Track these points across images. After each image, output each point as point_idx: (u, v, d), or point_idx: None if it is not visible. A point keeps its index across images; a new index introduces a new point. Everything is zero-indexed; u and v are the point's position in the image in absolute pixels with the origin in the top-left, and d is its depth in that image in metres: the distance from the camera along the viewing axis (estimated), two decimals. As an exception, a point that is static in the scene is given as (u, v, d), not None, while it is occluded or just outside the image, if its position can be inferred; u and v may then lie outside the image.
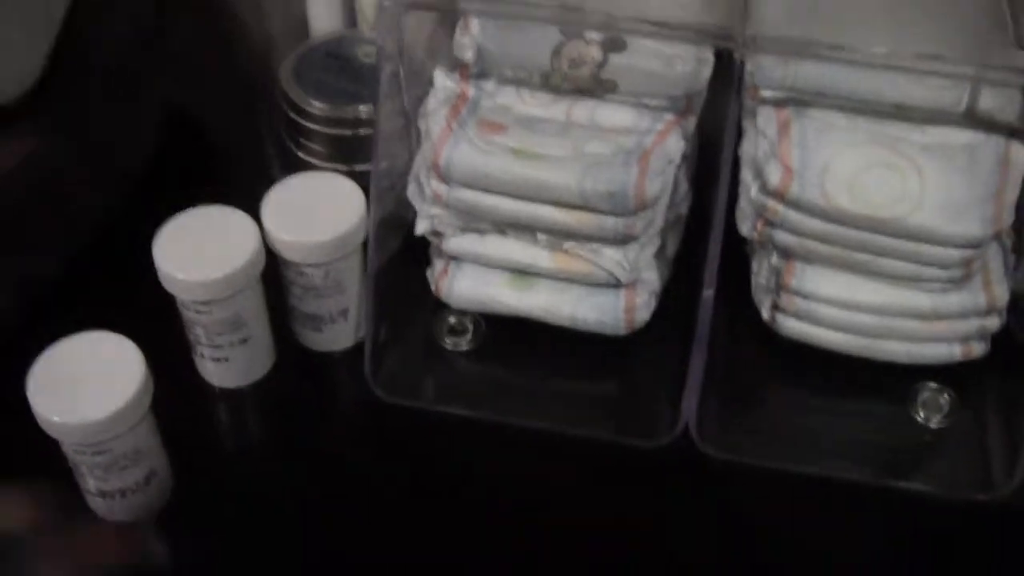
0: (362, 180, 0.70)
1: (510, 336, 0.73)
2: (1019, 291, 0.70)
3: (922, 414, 0.71)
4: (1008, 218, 0.66)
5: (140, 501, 0.64)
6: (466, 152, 0.68)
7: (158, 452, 0.64)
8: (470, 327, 0.74)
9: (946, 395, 0.72)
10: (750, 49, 0.65)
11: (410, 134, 0.73)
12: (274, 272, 0.70)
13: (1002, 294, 0.69)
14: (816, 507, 0.67)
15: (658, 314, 0.73)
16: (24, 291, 0.74)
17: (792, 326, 0.71)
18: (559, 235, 0.69)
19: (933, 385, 0.72)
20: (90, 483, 0.63)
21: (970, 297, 0.69)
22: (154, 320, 0.66)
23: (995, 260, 0.70)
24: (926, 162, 0.66)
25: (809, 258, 0.69)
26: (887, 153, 0.67)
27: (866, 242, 0.67)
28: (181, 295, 0.66)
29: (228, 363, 0.70)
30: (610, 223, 0.68)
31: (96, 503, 0.64)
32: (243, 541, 0.66)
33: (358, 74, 0.81)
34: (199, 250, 0.65)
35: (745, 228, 0.71)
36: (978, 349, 0.71)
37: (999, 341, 0.71)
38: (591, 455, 0.69)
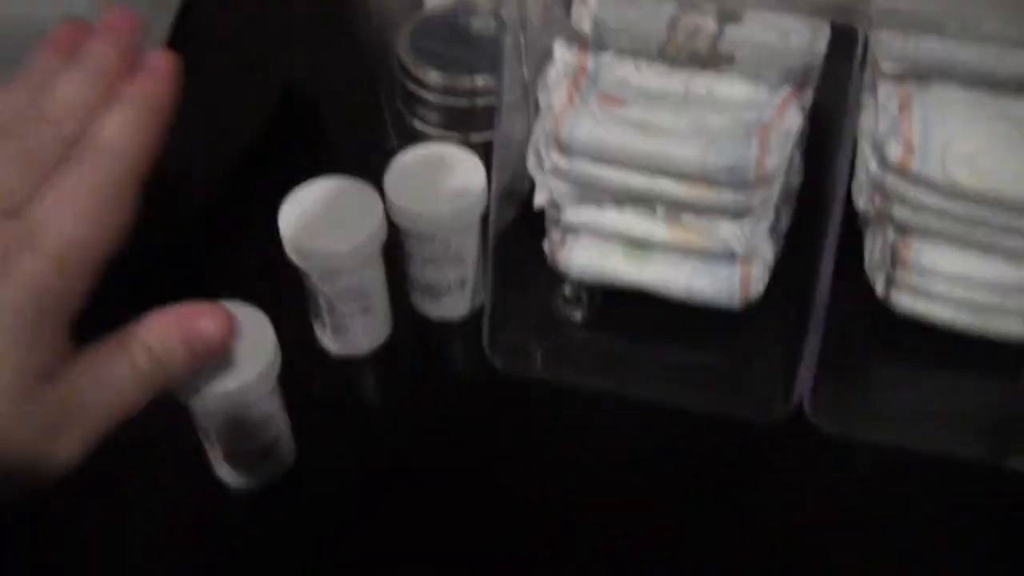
0: (478, 150, 0.71)
1: (625, 307, 0.74)
2: None
3: (1037, 391, 0.71)
4: None
5: (265, 466, 0.66)
6: (588, 125, 0.68)
7: (283, 419, 0.66)
8: (585, 297, 0.75)
9: (1062, 372, 0.72)
10: (876, 25, 0.65)
11: (528, 105, 0.73)
12: (393, 241, 0.71)
13: None
14: (929, 484, 0.67)
15: (770, 288, 0.73)
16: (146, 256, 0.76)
17: (907, 302, 0.71)
18: (677, 208, 0.70)
19: (1049, 362, 0.72)
20: (218, 449, 0.64)
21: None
22: (273, 288, 0.67)
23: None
24: (1051, 138, 0.66)
25: (927, 234, 0.69)
26: (1010, 130, 0.67)
27: (986, 219, 0.66)
28: (307, 266, 0.67)
29: (348, 332, 0.71)
30: (729, 197, 0.68)
31: (222, 470, 0.66)
32: (361, 505, 0.68)
33: (473, 44, 0.81)
34: (324, 221, 0.67)
35: (862, 202, 0.71)
36: (1101, 332, 0.71)
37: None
38: (704, 427, 0.69)
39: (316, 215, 0.67)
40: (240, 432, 0.63)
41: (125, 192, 0.50)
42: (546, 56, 0.74)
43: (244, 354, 0.60)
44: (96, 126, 0.51)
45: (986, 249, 0.68)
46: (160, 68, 0.53)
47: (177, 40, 0.75)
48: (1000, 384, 0.72)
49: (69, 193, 0.48)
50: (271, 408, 0.64)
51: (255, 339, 0.61)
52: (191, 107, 0.74)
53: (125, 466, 0.64)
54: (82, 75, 0.52)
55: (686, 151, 0.67)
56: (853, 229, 0.74)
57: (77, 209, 0.48)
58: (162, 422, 0.59)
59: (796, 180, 0.75)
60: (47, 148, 0.49)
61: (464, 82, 0.79)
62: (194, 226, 0.79)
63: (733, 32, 0.74)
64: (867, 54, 0.67)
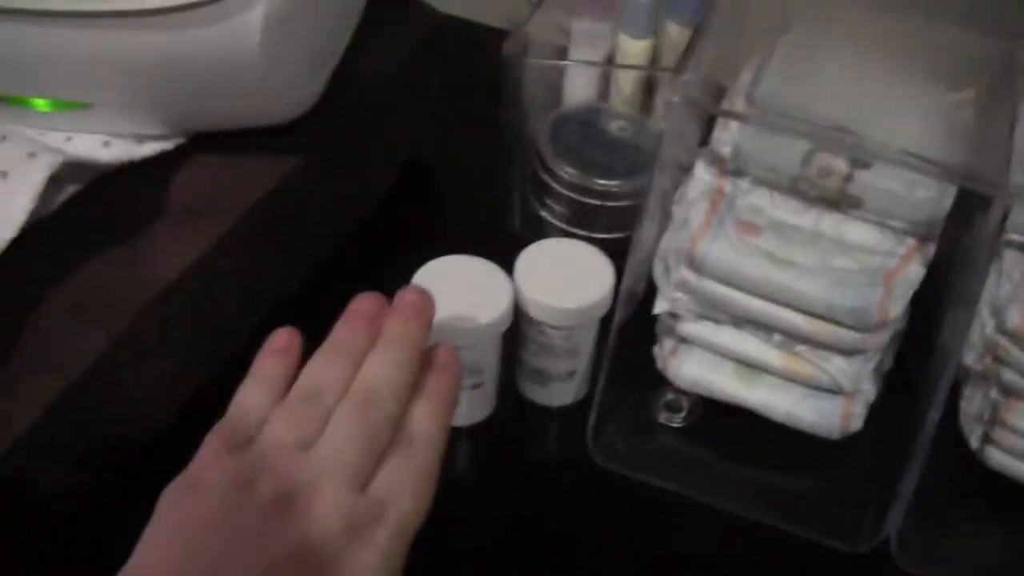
0: (601, 248, 0.74)
1: (723, 420, 0.77)
2: None
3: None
4: None
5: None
6: (723, 249, 0.71)
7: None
8: (686, 405, 0.78)
9: None
10: (1015, 200, 0.68)
11: (659, 215, 0.76)
12: (513, 324, 0.74)
13: None
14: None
15: (867, 424, 0.75)
16: (269, 297, 0.79)
17: (1002, 460, 0.73)
18: (794, 338, 0.73)
19: None
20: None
21: None
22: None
23: None
24: None
25: (1030, 398, 0.72)
26: None
27: (1092, 394, 0.69)
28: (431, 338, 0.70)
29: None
30: (847, 336, 0.71)
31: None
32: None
33: (608, 146, 0.84)
34: (452, 296, 0.68)
35: (970, 359, 0.73)
36: None
37: None
38: (788, 549, 0.72)
39: (447, 289, 0.69)
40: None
41: (436, 474, 0.56)
42: (680, 170, 0.77)
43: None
44: (415, 415, 0.57)
45: (1087, 420, 0.71)
46: (452, 364, 0.60)
47: (328, 90, 0.79)
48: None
49: (403, 474, 0.54)
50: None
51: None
52: (334, 160, 0.78)
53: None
54: (396, 356, 0.57)
55: (814, 288, 0.70)
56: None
57: (411, 489, 0.54)
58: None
59: (902, 325, 0.78)
60: (382, 429, 0.55)
61: (597, 183, 0.82)
62: (315, 272, 0.81)
63: (862, 176, 0.77)
64: (1001, 224, 0.70)
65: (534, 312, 0.72)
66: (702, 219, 0.73)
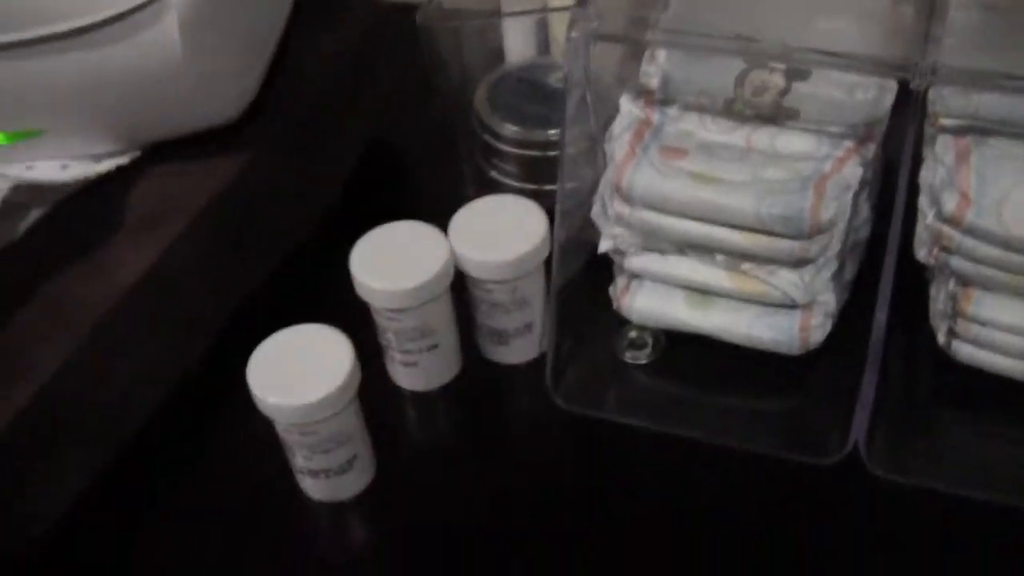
0: (550, 200, 0.74)
1: (687, 351, 0.76)
2: None
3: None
4: None
5: (343, 482, 0.70)
6: (648, 175, 0.71)
7: (361, 438, 0.70)
8: (649, 341, 0.77)
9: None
10: (930, 81, 0.66)
11: (596, 157, 0.76)
12: (463, 289, 0.74)
13: None
14: (984, 533, 0.68)
15: (835, 335, 0.74)
16: (237, 291, 0.80)
17: (967, 352, 0.72)
18: (736, 256, 0.72)
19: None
20: (299, 462, 0.69)
21: None
22: (348, 326, 0.71)
23: None
24: (1106, 190, 0.67)
25: (986, 285, 0.70)
26: (1067, 182, 0.67)
27: (1045, 270, 0.67)
28: (374, 303, 0.71)
29: (416, 368, 0.75)
30: (785, 246, 0.70)
31: (304, 481, 0.71)
32: (429, 530, 0.71)
33: (549, 98, 0.85)
34: (393, 261, 0.71)
35: (922, 254, 0.72)
36: None
37: None
38: (761, 470, 0.71)
39: (385, 255, 0.71)
40: (316, 447, 0.67)
41: None
42: (616, 109, 0.77)
43: (324, 370, 0.65)
44: None
45: (1046, 300, 0.69)
46: None
47: (269, 87, 0.80)
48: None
49: None
50: (348, 426, 0.68)
51: (335, 357, 0.66)
52: (286, 153, 0.80)
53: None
54: None
55: (741, 201, 0.69)
56: (922, 280, 0.75)
57: None
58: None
59: (865, 231, 0.76)
60: None
61: (538, 135, 0.82)
62: (284, 261, 0.83)
63: (800, 88, 0.76)
64: (925, 109, 0.69)
65: (473, 270, 0.73)
66: (626, 150, 0.72)
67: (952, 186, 0.68)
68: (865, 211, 0.76)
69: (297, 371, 0.66)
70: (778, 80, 0.76)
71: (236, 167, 0.78)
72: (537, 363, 0.77)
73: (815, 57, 0.70)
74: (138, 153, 0.79)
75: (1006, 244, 0.67)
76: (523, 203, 0.74)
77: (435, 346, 0.74)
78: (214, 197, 0.77)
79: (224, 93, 0.78)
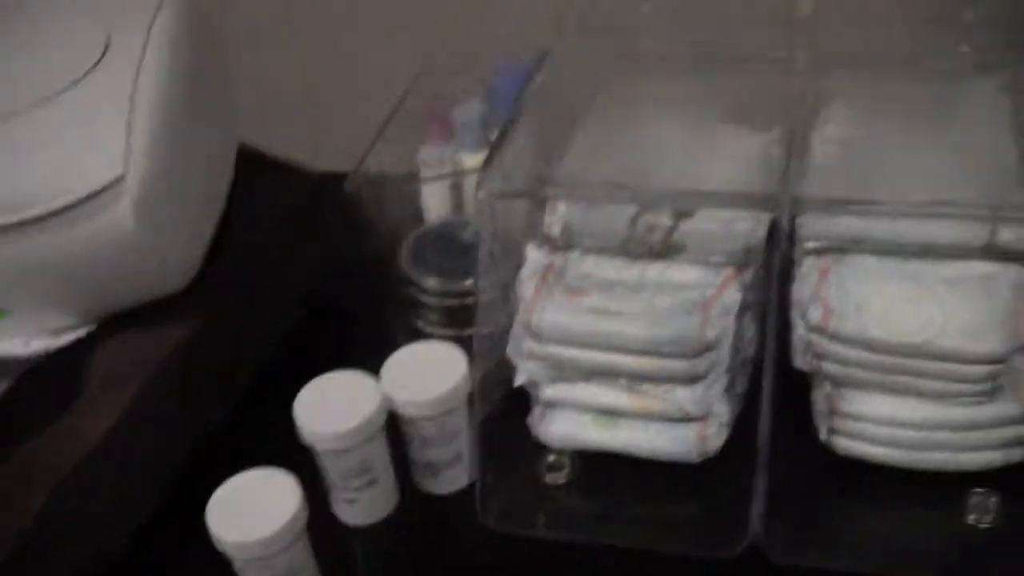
0: (470, 343, 0.83)
1: (601, 468, 0.84)
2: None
3: (972, 517, 0.79)
4: (1025, 336, 0.75)
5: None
6: (554, 313, 0.80)
7: (311, 573, 0.77)
8: (567, 463, 0.85)
9: (994, 498, 0.79)
10: (791, 210, 0.76)
11: (509, 301, 0.85)
12: (397, 428, 0.82)
13: (1034, 404, 0.77)
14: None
15: (732, 442, 0.82)
16: (195, 437, 0.88)
17: (847, 445, 0.80)
18: (636, 379, 0.81)
19: (981, 489, 0.79)
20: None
21: (1003, 407, 0.77)
22: (296, 468, 0.78)
23: (1028, 373, 0.78)
24: (947, 293, 0.76)
25: (855, 384, 0.79)
26: (912, 288, 0.77)
27: (901, 366, 0.76)
28: (317, 446, 0.79)
29: (358, 503, 0.82)
30: (678, 365, 0.79)
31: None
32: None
33: (465, 252, 0.94)
34: (331, 407, 0.79)
35: (799, 361, 0.81)
36: (1017, 454, 0.78)
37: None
38: (675, 567, 0.78)
39: (324, 403, 0.79)
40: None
41: None
42: (524, 258, 0.86)
43: (275, 509, 0.73)
44: None
45: (906, 392, 0.78)
46: None
47: (213, 253, 0.89)
48: (940, 512, 0.79)
49: None
50: (300, 561, 0.75)
51: (284, 497, 0.74)
52: (231, 314, 0.88)
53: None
54: None
55: (636, 329, 0.78)
56: (806, 385, 0.84)
57: None
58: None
59: (751, 349, 0.85)
60: None
61: (457, 286, 0.91)
62: (235, 408, 0.91)
63: (686, 225, 0.86)
64: (793, 235, 0.79)
65: (404, 410, 0.81)
66: (533, 292, 0.82)
67: (817, 299, 0.78)
68: (751, 332, 0.85)
69: (251, 511, 0.74)
70: (666, 220, 0.86)
71: (185, 330, 0.86)
72: (468, 491, 0.85)
73: (694, 198, 0.81)
74: (94, 326, 0.87)
75: (865, 346, 0.76)
76: (445, 347, 0.83)
77: (373, 482, 0.81)
78: (166, 359, 0.85)
79: (173, 265, 0.87)
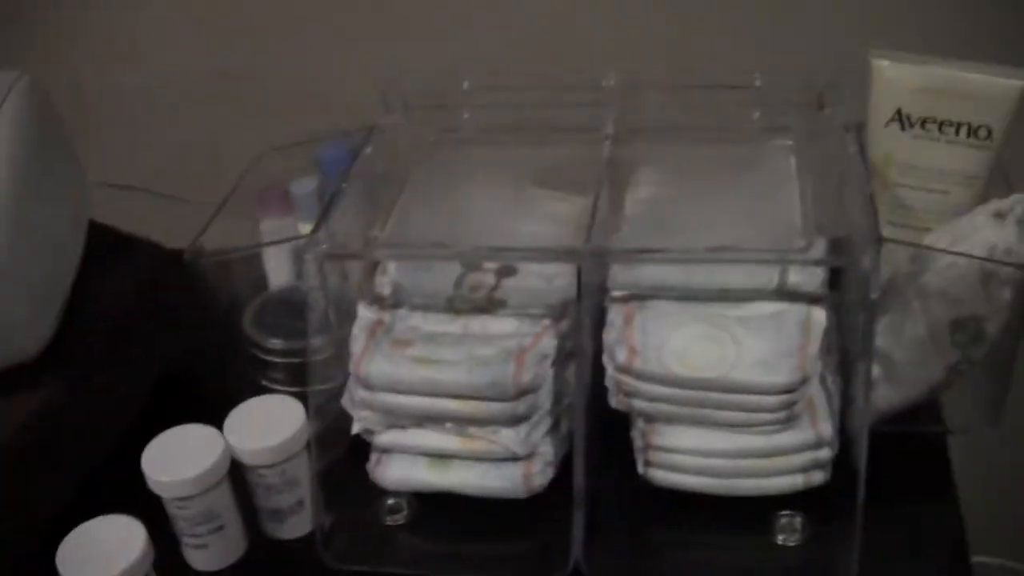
0: (313, 398, 0.89)
1: (437, 508, 0.90)
2: (849, 428, 0.86)
3: (781, 537, 0.86)
4: (812, 367, 0.83)
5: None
6: (381, 363, 0.86)
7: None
8: (404, 505, 0.91)
9: (799, 519, 0.87)
10: (594, 261, 0.85)
11: (344, 357, 0.91)
12: (243, 478, 0.87)
13: (827, 429, 0.84)
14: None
15: (560, 479, 0.89)
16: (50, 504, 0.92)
17: (661, 476, 0.87)
18: (463, 422, 0.87)
19: (787, 512, 0.87)
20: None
21: (800, 434, 0.84)
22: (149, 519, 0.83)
23: (820, 401, 0.86)
24: (740, 330, 0.84)
25: (664, 418, 0.86)
26: (709, 327, 0.85)
27: (702, 399, 0.84)
28: (163, 494, 0.84)
29: (207, 550, 0.87)
30: (498, 408, 0.85)
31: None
32: None
33: (305, 314, 0.99)
34: (176, 458, 0.84)
35: (613, 401, 0.88)
36: (818, 477, 0.86)
37: (842, 466, 0.85)
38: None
39: (169, 454, 0.84)
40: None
41: None
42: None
43: (119, 554, 0.78)
44: None
45: (710, 424, 0.85)
46: None
47: (65, 324, 0.94)
48: (751, 535, 0.87)
49: None
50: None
51: (130, 541, 0.79)
52: (83, 381, 0.92)
53: None
54: None
55: (457, 375, 0.85)
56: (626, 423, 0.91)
57: None
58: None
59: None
60: None
61: (297, 345, 0.97)
62: (91, 472, 0.95)
63: (508, 282, 0.93)
64: (599, 284, 0.87)
65: (246, 458, 0.86)
66: (362, 346, 0.88)
67: (623, 342, 0.85)
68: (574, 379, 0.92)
69: (99, 554, 0.78)
70: (490, 279, 0.93)
71: (37, 398, 0.90)
72: (313, 535, 0.90)
73: (508, 253, 0.88)
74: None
75: (668, 382, 0.84)
76: (284, 400, 0.89)
77: (220, 528, 0.86)
78: (19, 426, 0.89)
79: (23, 335, 0.91)
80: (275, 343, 0.97)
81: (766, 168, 0.96)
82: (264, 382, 0.99)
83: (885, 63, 0.91)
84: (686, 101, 1.00)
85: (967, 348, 0.86)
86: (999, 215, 0.83)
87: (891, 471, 0.81)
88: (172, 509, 0.85)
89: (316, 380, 0.89)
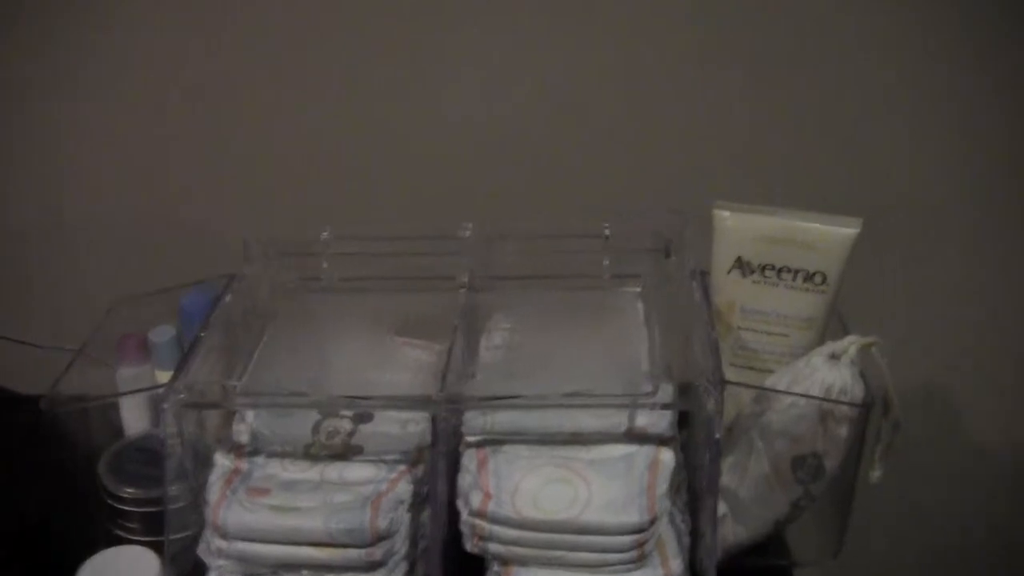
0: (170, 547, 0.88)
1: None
2: (699, 563, 0.89)
3: None
4: (661, 506, 0.85)
5: None
6: (237, 511, 0.86)
7: None
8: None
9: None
10: (445, 409, 0.87)
11: (201, 506, 0.91)
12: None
13: (677, 567, 0.86)
14: None
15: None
16: None
17: (516, 617, 0.89)
18: (319, 569, 0.87)
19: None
20: None
21: (651, 572, 0.86)
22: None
23: (670, 539, 0.88)
24: (591, 472, 0.87)
25: (518, 560, 0.87)
26: (561, 470, 0.87)
27: (555, 541, 0.85)
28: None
29: None
30: (354, 554, 0.86)
31: None
32: None
33: (162, 462, 0.99)
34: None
35: (468, 545, 0.89)
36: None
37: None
38: None
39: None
40: None
41: None
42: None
43: None
44: None
45: (564, 565, 0.86)
46: None
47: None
48: None
49: None
50: None
51: None
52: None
53: None
54: None
55: (313, 522, 0.85)
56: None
57: None
58: None
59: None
60: None
61: (154, 494, 0.96)
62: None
63: (364, 428, 0.94)
64: (455, 429, 0.88)
65: (98, 611, 0.85)
66: (218, 494, 0.88)
67: (477, 487, 0.87)
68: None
69: None
70: (347, 425, 0.94)
71: None
72: None
73: (364, 401, 0.89)
74: None
75: (521, 525, 0.85)
76: (139, 551, 0.88)
77: None
78: None
79: None
80: (130, 491, 0.97)
81: (616, 314, 1.00)
82: (119, 532, 0.98)
83: (726, 214, 0.95)
84: (539, 249, 1.03)
85: (809, 483, 0.89)
86: (834, 356, 0.87)
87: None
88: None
89: (172, 529, 0.88)
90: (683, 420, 0.92)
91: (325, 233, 1.02)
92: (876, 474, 0.90)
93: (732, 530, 0.93)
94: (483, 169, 1.22)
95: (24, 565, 0.88)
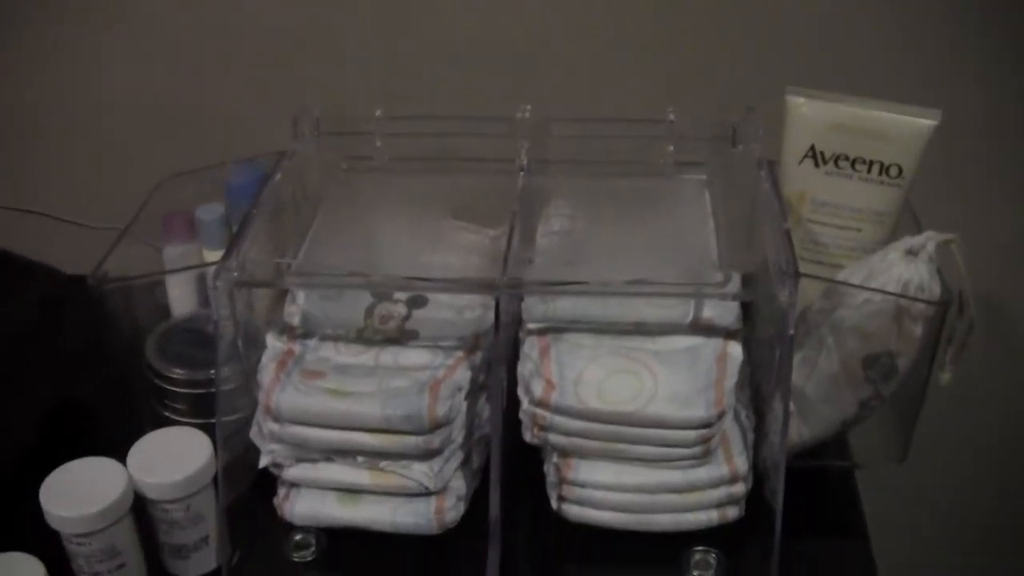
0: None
1: (347, 544, 0.88)
2: (762, 463, 0.86)
3: (695, 574, 0.86)
4: (728, 401, 0.83)
5: None
6: (291, 394, 0.84)
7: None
8: (313, 541, 0.89)
9: (713, 555, 0.86)
10: (510, 293, 0.83)
11: (252, 388, 0.89)
12: (146, 512, 0.85)
13: (742, 464, 0.85)
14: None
15: (470, 515, 0.88)
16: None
17: (576, 512, 0.86)
18: (374, 456, 0.85)
19: (701, 547, 0.87)
20: None
21: (715, 469, 0.84)
22: (46, 556, 0.80)
23: (735, 436, 0.86)
24: (657, 364, 0.84)
25: (579, 452, 0.85)
26: (625, 361, 0.84)
27: (619, 433, 0.83)
28: (63, 529, 0.80)
29: (108, 589, 0.84)
30: (411, 441, 0.83)
31: None
32: None
33: (211, 343, 0.96)
34: (76, 492, 0.81)
35: (527, 436, 0.86)
36: (732, 513, 0.86)
37: (754, 502, 0.86)
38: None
39: (69, 488, 0.81)
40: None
41: None
42: (265, 346, 0.90)
43: None
44: None
45: (626, 458, 0.84)
46: None
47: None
48: (667, 572, 0.86)
49: None
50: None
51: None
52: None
53: None
54: None
55: (370, 407, 0.83)
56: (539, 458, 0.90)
57: None
58: None
59: (488, 427, 0.91)
60: None
61: (203, 375, 0.94)
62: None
63: (419, 313, 0.92)
64: (513, 316, 0.85)
65: (149, 493, 0.83)
66: (271, 377, 0.85)
67: (539, 375, 0.84)
68: (487, 410, 0.90)
69: None
70: (401, 309, 0.92)
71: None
72: (218, 572, 0.87)
73: (421, 283, 0.86)
74: None
75: (584, 416, 0.83)
76: (190, 432, 0.86)
77: (122, 566, 0.83)
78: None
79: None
80: (179, 373, 0.94)
81: (680, 202, 0.96)
82: (167, 413, 0.95)
83: (800, 100, 0.91)
84: (600, 134, 0.99)
85: (879, 383, 0.86)
86: (911, 252, 0.84)
87: (800, 506, 0.81)
88: (71, 546, 0.81)
89: (223, 411, 0.85)
90: (743, 315, 0.89)
91: (378, 111, 0.98)
92: (947, 376, 0.87)
93: (797, 430, 0.90)
94: (543, 50, 1.18)
95: (73, 447, 0.85)
